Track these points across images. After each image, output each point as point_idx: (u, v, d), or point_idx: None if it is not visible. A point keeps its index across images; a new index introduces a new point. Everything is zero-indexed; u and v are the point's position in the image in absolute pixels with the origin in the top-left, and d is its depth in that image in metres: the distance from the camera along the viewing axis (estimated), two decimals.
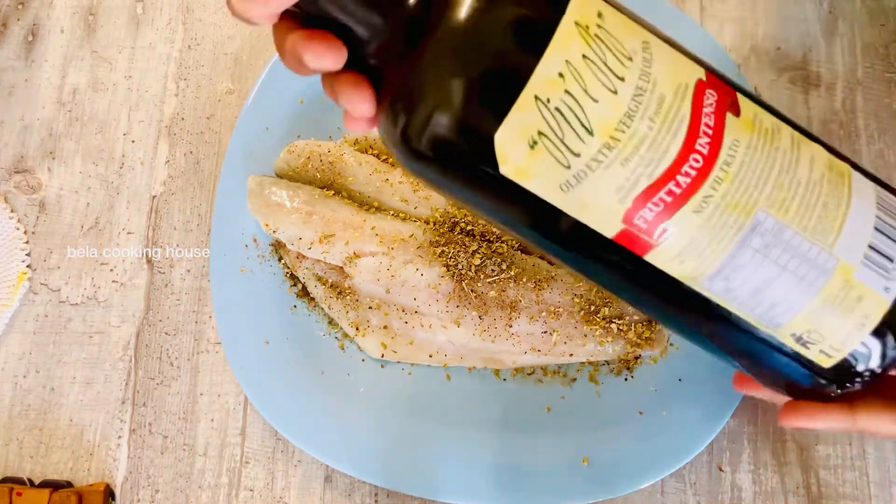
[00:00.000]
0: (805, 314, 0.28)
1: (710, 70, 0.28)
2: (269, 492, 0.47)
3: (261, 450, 0.48)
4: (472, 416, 0.47)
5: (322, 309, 0.49)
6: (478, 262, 0.47)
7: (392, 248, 0.48)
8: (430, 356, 0.48)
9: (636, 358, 0.47)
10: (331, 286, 0.49)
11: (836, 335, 0.29)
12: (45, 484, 0.47)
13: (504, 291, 0.47)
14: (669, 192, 0.26)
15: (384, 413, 0.47)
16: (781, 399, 0.34)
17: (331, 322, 0.49)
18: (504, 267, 0.47)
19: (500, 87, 0.25)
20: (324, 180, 0.50)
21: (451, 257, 0.47)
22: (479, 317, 0.47)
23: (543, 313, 0.47)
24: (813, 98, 0.53)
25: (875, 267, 0.28)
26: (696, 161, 0.26)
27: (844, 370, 0.29)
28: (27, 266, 0.52)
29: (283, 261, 0.50)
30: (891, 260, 0.28)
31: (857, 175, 0.29)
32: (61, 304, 0.51)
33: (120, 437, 0.49)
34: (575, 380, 0.47)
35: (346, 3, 0.25)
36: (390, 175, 0.50)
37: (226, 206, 0.50)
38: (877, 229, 0.28)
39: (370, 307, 0.48)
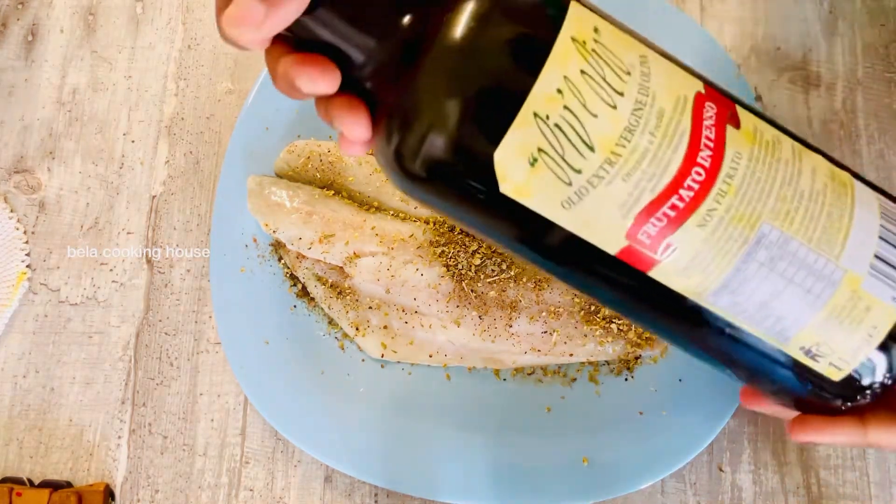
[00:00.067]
0: (813, 327, 0.28)
1: (708, 83, 0.28)
2: (268, 492, 0.47)
3: (261, 450, 0.48)
4: (472, 416, 0.47)
5: (322, 309, 0.49)
6: (478, 261, 0.47)
7: (392, 248, 0.48)
8: (430, 356, 0.48)
9: (636, 358, 0.47)
10: (331, 286, 0.49)
11: (844, 347, 0.28)
12: (44, 484, 0.47)
13: (504, 291, 0.47)
14: (673, 207, 0.26)
15: (384, 413, 0.47)
16: (788, 414, 0.33)
17: (331, 322, 0.49)
18: (504, 267, 0.47)
19: (498, 104, 0.25)
20: (324, 180, 0.50)
21: (451, 257, 0.47)
22: (479, 317, 0.47)
23: (543, 313, 0.47)
24: (813, 98, 0.53)
25: (882, 277, 0.28)
26: (699, 174, 0.26)
27: (854, 383, 0.29)
28: (27, 266, 0.52)
29: (282, 261, 0.50)
30: None
31: (858, 184, 0.29)
32: (61, 304, 0.51)
33: (120, 437, 0.49)
34: (575, 380, 0.47)
35: (340, 26, 0.25)
36: None
37: (226, 206, 0.50)
38: (882, 238, 0.28)
39: (370, 307, 0.48)
